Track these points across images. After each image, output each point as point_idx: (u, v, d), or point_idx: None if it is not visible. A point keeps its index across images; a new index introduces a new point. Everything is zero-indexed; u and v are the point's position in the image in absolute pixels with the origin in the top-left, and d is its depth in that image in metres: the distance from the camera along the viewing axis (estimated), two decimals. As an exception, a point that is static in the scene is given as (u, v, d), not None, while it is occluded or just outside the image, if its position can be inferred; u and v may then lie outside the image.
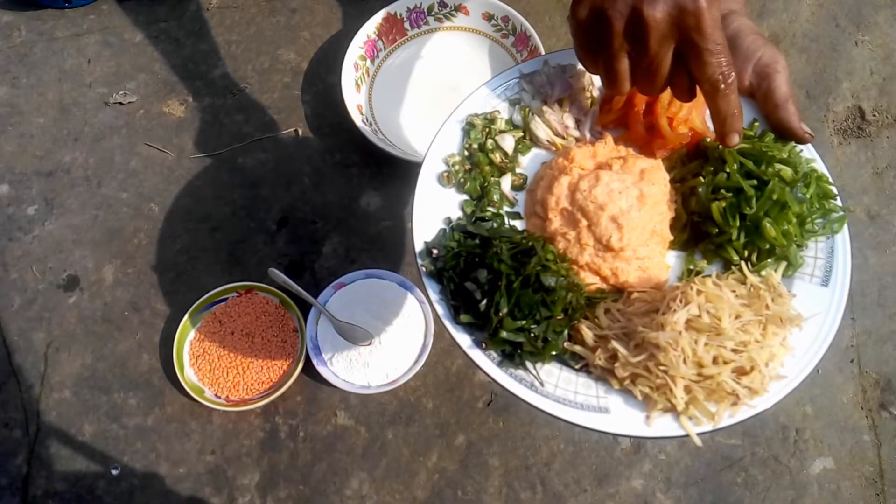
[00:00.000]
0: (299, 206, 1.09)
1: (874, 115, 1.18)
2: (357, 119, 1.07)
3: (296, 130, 1.14)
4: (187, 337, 0.99)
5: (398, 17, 1.14)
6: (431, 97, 1.14)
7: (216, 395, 0.97)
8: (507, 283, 0.63)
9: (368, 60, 1.13)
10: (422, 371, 0.97)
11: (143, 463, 0.95)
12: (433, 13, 1.15)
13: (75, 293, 1.04)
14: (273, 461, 0.96)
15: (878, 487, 0.96)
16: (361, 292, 1.00)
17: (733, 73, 0.59)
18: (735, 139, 0.63)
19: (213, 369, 0.98)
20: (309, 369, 0.97)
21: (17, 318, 1.03)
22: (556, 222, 0.68)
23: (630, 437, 0.62)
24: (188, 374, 0.97)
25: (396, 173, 1.11)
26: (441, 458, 0.96)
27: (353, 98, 1.09)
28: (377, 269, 1.02)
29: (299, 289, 0.98)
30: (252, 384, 0.97)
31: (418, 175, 0.70)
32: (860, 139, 1.16)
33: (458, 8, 1.15)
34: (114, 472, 0.95)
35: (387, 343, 0.97)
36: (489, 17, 1.14)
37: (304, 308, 0.99)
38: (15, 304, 1.03)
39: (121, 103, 1.16)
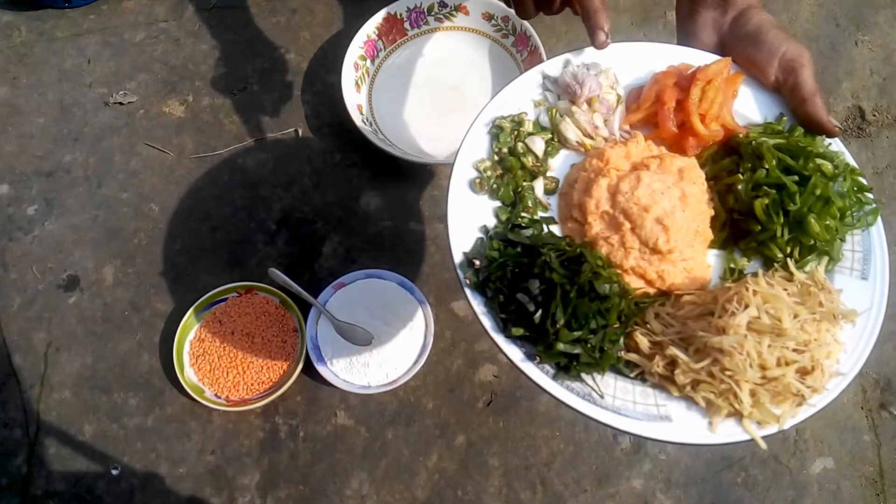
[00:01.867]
0: (299, 206, 1.09)
1: (874, 115, 1.18)
2: (357, 119, 1.07)
3: (296, 130, 1.14)
4: (187, 337, 0.99)
5: (398, 17, 1.14)
6: (431, 97, 1.14)
7: (216, 395, 0.97)
8: (562, 294, 0.60)
9: (368, 60, 1.13)
10: (422, 371, 0.97)
11: (143, 463, 0.95)
12: (433, 13, 1.15)
13: (75, 293, 1.04)
14: (273, 461, 0.96)
15: (878, 487, 0.96)
16: (361, 292, 1.00)
17: None
18: (601, 36, 0.66)
19: (213, 369, 0.98)
20: (309, 369, 0.97)
21: (17, 318, 1.03)
22: (596, 226, 0.66)
23: (696, 445, 0.61)
24: (188, 374, 0.97)
25: (396, 173, 1.11)
26: (441, 458, 0.96)
27: (353, 98, 1.09)
28: (377, 269, 1.02)
29: (299, 289, 0.98)
30: (252, 384, 0.97)
31: (449, 183, 0.67)
32: (860, 139, 1.16)
33: (458, 8, 1.15)
34: (114, 472, 0.95)
35: (387, 343, 0.97)
36: (489, 17, 1.14)
37: (304, 308, 0.99)
38: (15, 304, 1.03)
39: (121, 103, 1.16)
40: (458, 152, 0.69)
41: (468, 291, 0.63)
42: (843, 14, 1.26)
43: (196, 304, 0.99)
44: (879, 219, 0.68)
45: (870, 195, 0.69)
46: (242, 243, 1.07)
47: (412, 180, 1.11)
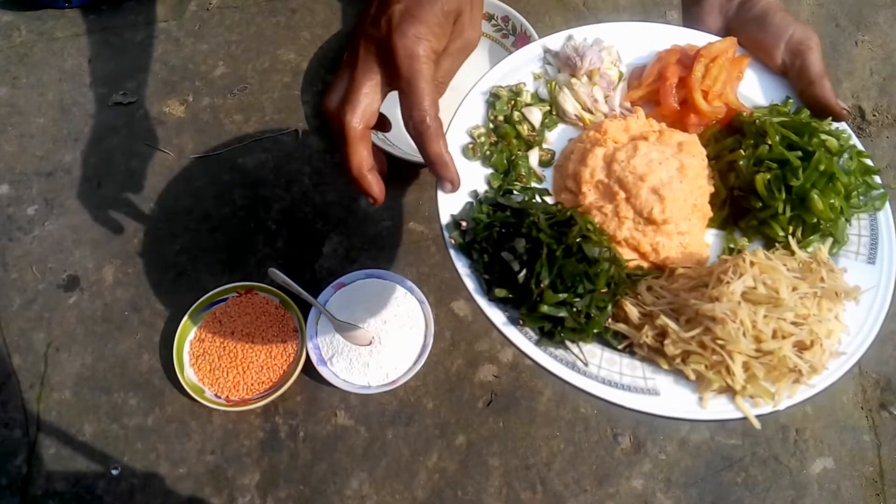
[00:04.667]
0: (299, 206, 1.09)
1: (874, 115, 1.18)
2: (357, 119, 1.07)
3: (296, 130, 1.14)
4: (187, 337, 0.99)
5: (398, 17, 1.14)
6: (431, 97, 1.14)
7: (216, 395, 0.97)
8: (548, 252, 0.58)
9: (368, 60, 1.13)
10: (422, 371, 0.97)
11: (143, 463, 0.95)
12: (433, 13, 1.15)
13: (75, 293, 1.04)
14: (273, 461, 0.96)
15: (878, 487, 0.96)
16: (361, 292, 1.00)
17: (428, 123, 0.54)
18: (447, 187, 0.60)
19: (213, 369, 0.98)
20: (309, 369, 0.97)
21: (17, 318, 1.03)
22: (590, 196, 0.65)
23: (683, 420, 0.58)
24: (188, 374, 0.97)
25: (396, 173, 1.11)
26: (441, 458, 0.96)
27: (353, 98, 1.09)
28: (377, 269, 1.02)
29: (299, 289, 0.98)
30: (252, 384, 0.97)
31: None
32: (860, 139, 1.15)
33: (458, 8, 1.14)
34: (114, 472, 0.95)
35: (387, 343, 0.96)
36: (489, 17, 1.14)
37: (304, 308, 0.99)
38: (15, 304, 1.03)
39: (121, 103, 1.16)
40: (452, 117, 0.68)
41: (452, 252, 0.62)
42: (843, 14, 1.26)
43: (196, 304, 0.99)
44: (888, 204, 0.67)
45: (878, 179, 0.67)
46: (242, 243, 1.07)
47: (412, 180, 1.11)
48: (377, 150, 0.59)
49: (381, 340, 0.97)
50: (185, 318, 0.98)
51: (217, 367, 0.98)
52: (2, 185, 1.10)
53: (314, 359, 0.96)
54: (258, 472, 0.95)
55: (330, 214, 1.09)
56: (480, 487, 0.95)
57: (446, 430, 0.97)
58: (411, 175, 1.11)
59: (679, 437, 0.97)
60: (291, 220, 1.09)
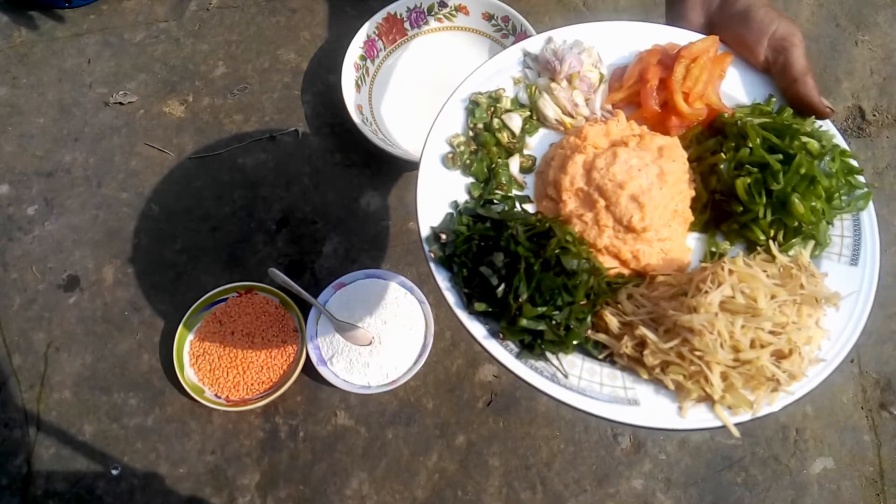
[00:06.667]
0: (299, 206, 1.09)
1: (874, 115, 1.18)
2: (357, 119, 1.07)
3: (296, 130, 1.14)
4: (187, 337, 0.99)
5: (398, 17, 1.14)
6: (431, 97, 1.14)
7: (216, 395, 0.97)
8: (526, 267, 0.58)
9: (368, 60, 1.13)
10: (422, 371, 0.97)
11: (143, 463, 0.95)
12: (433, 13, 1.15)
13: (75, 293, 1.04)
14: (273, 461, 0.96)
15: (878, 487, 0.96)
16: (361, 292, 1.00)
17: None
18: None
19: (213, 369, 0.98)
20: (309, 369, 0.97)
21: (17, 318, 1.03)
22: (570, 204, 0.64)
23: (663, 430, 0.59)
24: (188, 374, 0.97)
25: (396, 173, 1.11)
26: (441, 458, 0.96)
27: (353, 98, 1.09)
28: (377, 269, 1.02)
29: (299, 289, 0.98)
30: (252, 384, 0.97)
31: (421, 156, 0.66)
32: (860, 139, 1.16)
33: (458, 8, 1.15)
34: (114, 472, 0.95)
35: (387, 343, 0.97)
36: (489, 17, 1.14)
37: (304, 308, 0.99)
38: (15, 304, 1.03)
39: (121, 103, 1.16)
40: (431, 126, 0.68)
41: (433, 266, 0.62)
42: (843, 14, 1.26)
43: (196, 304, 0.99)
44: (871, 204, 0.66)
45: (861, 178, 0.66)
46: (242, 243, 1.07)
47: (412, 180, 1.11)
48: None
49: (381, 340, 0.97)
50: (185, 317, 0.98)
51: (217, 367, 0.98)
52: (2, 185, 1.10)
53: (314, 359, 0.96)
54: (258, 472, 0.95)
55: (330, 214, 1.09)
56: (480, 487, 0.95)
57: (446, 430, 0.97)
58: (411, 175, 1.11)
59: (679, 438, 0.97)
60: (291, 220, 1.09)
